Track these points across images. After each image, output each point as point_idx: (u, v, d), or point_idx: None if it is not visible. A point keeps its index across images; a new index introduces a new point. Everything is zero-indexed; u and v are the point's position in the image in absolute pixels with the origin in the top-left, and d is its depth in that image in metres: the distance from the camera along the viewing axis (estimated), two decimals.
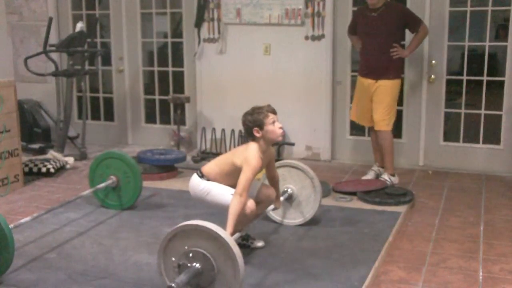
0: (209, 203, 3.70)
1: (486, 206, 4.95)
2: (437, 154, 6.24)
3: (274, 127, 3.59)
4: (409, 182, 5.64)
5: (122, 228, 4.34)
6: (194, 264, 2.92)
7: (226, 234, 2.96)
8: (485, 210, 4.86)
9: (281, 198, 4.17)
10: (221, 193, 3.61)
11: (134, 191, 4.70)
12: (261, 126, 3.57)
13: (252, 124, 3.58)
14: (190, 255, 2.93)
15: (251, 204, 3.51)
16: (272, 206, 4.06)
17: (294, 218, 4.39)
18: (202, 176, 3.69)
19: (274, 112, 3.63)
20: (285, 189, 4.33)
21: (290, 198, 4.35)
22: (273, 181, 3.95)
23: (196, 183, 3.70)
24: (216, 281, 2.94)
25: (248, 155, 3.54)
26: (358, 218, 4.55)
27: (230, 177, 3.61)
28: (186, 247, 2.94)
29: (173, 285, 2.81)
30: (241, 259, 2.89)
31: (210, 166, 3.73)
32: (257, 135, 3.58)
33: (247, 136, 3.67)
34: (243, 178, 3.45)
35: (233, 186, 3.55)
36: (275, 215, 4.42)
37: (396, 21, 5.37)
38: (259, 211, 3.78)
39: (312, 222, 4.43)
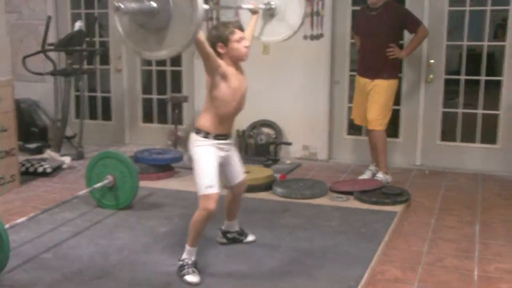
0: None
1: (483, 206, 4.95)
2: (434, 153, 6.24)
3: (239, 45, 3.40)
4: (405, 182, 5.64)
5: (118, 228, 4.34)
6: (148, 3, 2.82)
7: None
8: (481, 209, 4.86)
9: (262, 6, 4.08)
10: (199, 175, 3.40)
11: (131, 191, 4.69)
12: (225, 42, 3.37)
13: (216, 39, 3.38)
14: None
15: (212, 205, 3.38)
16: None
17: (281, 32, 4.24)
18: (198, 131, 3.47)
19: (241, 29, 3.46)
20: (266, 3, 4.16)
21: (272, 12, 4.18)
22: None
23: (191, 141, 3.49)
24: (172, 20, 2.85)
25: None
26: (354, 218, 4.54)
27: (216, 105, 3.42)
28: None
29: (121, 5, 2.72)
30: None
31: (200, 115, 3.53)
32: (221, 51, 3.38)
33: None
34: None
35: (225, 107, 3.42)
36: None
37: (394, 21, 5.37)
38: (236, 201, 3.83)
39: (308, 222, 4.45)
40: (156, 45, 2.95)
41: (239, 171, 3.74)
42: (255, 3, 4.05)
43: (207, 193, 3.38)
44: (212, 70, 3.33)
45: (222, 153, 3.51)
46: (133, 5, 2.79)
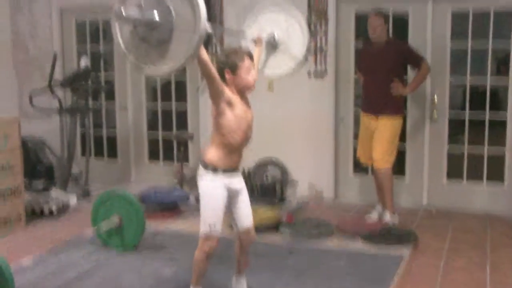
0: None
1: (491, 247, 4.89)
2: (441, 193, 6.20)
3: (247, 75, 3.32)
4: (413, 222, 5.58)
5: (124, 269, 4.30)
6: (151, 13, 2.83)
7: None
8: (490, 250, 4.80)
9: (264, 35, 4.03)
10: (203, 212, 3.40)
11: (137, 231, 4.67)
12: (234, 69, 3.30)
13: (224, 65, 3.31)
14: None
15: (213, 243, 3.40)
16: None
17: (285, 64, 4.18)
18: (205, 165, 3.41)
19: (251, 57, 3.37)
20: (269, 34, 4.12)
21: (275, 43, 4.13)
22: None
23: (199, 175, 3.46)
24: (174, 31, 2.82)
25: None
26: (361, 260, 4.50)
27: (222, 133, 3.35)
28: None
29: (123, 12, 2.74)
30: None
31: (207, 147, 3.46)
32: (227, 77, 3.30)
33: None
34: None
35: (231, 135, 3.35)
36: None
37: (396, 57, 5.38)
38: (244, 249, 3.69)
39: (315, 264, 4.40)
40: (158, 59, 2.92)
41: (247, 214, 3.59)
42: (258, 33, 4.03)
43: (208, 233, 3.37)
44: (216, 95, 3.24)
45: (232, 188, 3.44)
46: (135, 11, 2.79)
